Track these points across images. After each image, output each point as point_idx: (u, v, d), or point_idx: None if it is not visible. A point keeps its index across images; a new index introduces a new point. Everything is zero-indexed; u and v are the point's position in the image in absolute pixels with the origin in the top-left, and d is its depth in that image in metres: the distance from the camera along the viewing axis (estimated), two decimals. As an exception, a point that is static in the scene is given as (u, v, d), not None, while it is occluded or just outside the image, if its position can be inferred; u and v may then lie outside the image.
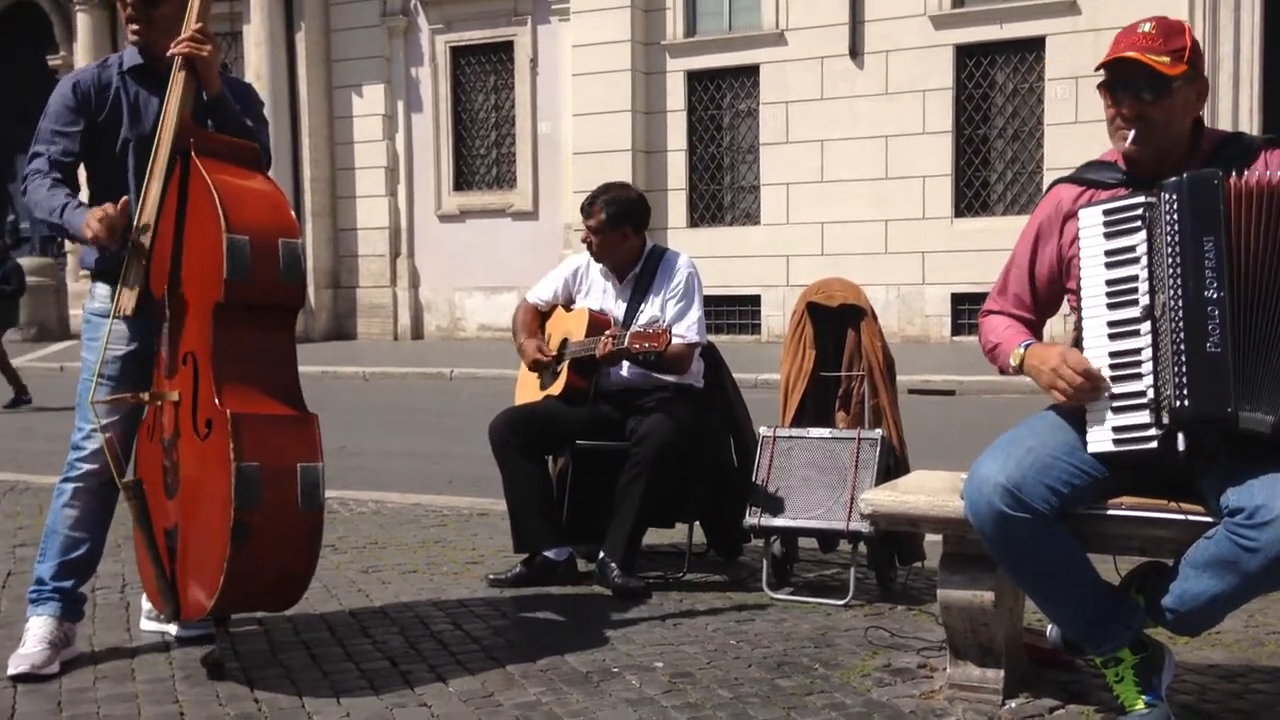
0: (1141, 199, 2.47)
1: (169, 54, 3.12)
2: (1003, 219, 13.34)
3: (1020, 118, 13.64)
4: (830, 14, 14.18)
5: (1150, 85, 2.52)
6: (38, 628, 3.19)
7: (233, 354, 2.99)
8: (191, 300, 3.08)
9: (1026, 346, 2.68)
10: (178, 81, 3.11)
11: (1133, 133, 2.56)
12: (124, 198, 3.06)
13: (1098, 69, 2.64)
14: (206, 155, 3.07)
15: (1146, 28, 2.55)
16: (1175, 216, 2.40)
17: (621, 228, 4.23)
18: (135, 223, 3.11)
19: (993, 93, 13.77)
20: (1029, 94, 13.51)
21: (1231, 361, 2.35)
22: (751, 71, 14.85)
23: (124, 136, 3.23)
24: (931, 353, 12.86)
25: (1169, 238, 2.40)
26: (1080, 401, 2.53)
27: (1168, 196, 2.42)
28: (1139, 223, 2.47)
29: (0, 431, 9.13)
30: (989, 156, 13.87)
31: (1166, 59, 2.50)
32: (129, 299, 3.11)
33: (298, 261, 3.04)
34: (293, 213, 3.12)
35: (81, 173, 3.31)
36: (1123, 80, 2.56)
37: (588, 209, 4.25)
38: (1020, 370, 2.69)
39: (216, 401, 2.94)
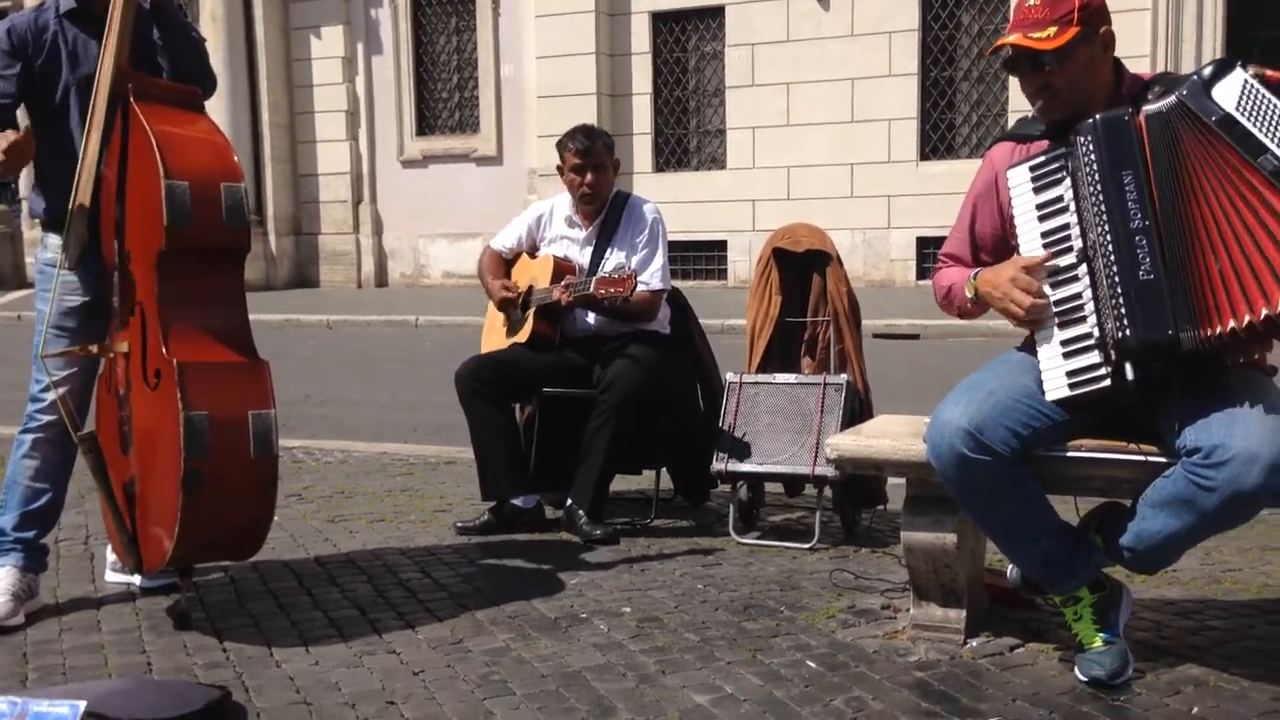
0: (1061, 150, 2.54)
1: None
2: (968, 162, 13.33)
3: (985, 60, 13.57)
4: (796, -46, 14.03)
5: (1035, 61, 2.57)
6: (1, 579, 3.17)
7: (179, 302, 2.95)
8: (136, 249, 3.03)
9: (976, 274, 2.71)
10: None
11: (1040, 104, 2.63)
12: (25, 126, 2.98)
13: (989, 54, 2.71)
14: (145, 100, 3.01)
15: (1033, 1, 2.58)
16: (1093, 157, 2.47)
17: (613, 159, 4.28)
18: (77, 174, 3.05)
19: (958, 34, 13.70)
20: (994, 36, 13.41)
21: (1166, 285, 2.40)
22: (717, 13, 14.68)
23: (64, 80, 3.17)
24: (896, 296, 12.92)
25: (1090, 179, 2.47)
26: (1032, 316, 2.55)
27: (1083, 140, 2.49)
28: (1063, 173, 2.54)
29: (-43, 383, 8.99)
30: (954, 99, 13.84)
31: (1052, 30, 2.53)
32: (73, 250, 3.07)
33: (241, 206, 2.99)
34: (236, 157, 3.08)
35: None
36: (1016, 59, 2.61)
37: (589, 147, 4.18)
38: (978, 300, 2.70)
39: (164, 351, 2.91)
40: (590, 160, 4.19)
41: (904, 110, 13.80)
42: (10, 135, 2.91)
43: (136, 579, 3.38)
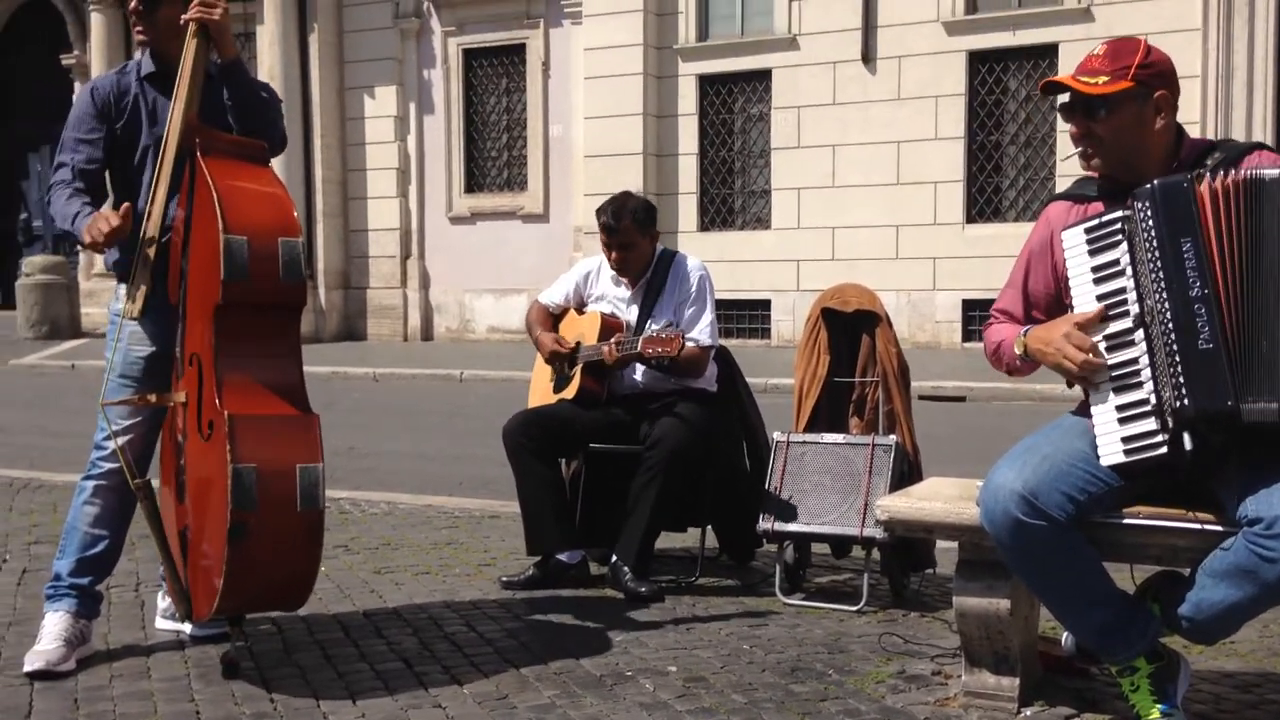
0: (1118, 213, 2.53)
1: (182, 20, 3.13)
2: (1014, 225, 13.31)
3: (1033, 124, 13.62)
4: (843, 19, 14.17)
5: (1085, 105, 2.61)
6: (53, 624, 3.21)
7: (234, 355, 2.99)
8: (196, 301, 3.09)
9: (1027, 332, 2.70)
10: (189, 49, 3.12)
11: (1081, 149, 2.66)
12: (125, 204, 3.08)
13: (1040, 91, 2.77)
14: (211, 155, 3.07)
15: (1098, 50, 2.64)
16: (1151, 223, 2.46)
17: (649, 233, 4.26)
18: (144, 226, 3.14)
19: (1005, 99, 13.74)
20: (1041, 100, 13.47)
21: (1225, 355, 2.38)
22: (763, 76, 14.84)
23: (144, 142, 3.26)
24: (942, 359, 12.84)
25: (1148, 245, 2.46)
26: (1086, 373, 2.54)
27: (1141, 205, 2.48)
28: (1119, 236, 2.53)
29: (13, 429, 9.17)
30: (1001, 163, 13.84)
31: (1104, 78, 2.57)
32: (137, 300, 3.13)
33: (298, 261, 3.02)
34: (295, 211, 3.11)
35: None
36: (1070, 102, 2.65)
37: (615, 226, 4.18)
38: (1027, 357, 2.69)
39: (217, 402, 2.94)
40: (616, 240, 4.21)
41: (950, 173, 13.82)
42: (111, 217, 3.03)
43: (186, 627, 3.40)
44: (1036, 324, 2.75)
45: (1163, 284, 2.43)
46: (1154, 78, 2.59)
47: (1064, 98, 2.67)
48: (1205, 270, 2.40)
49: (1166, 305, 2.43)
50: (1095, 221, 2.59)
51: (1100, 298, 2.56)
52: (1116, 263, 2.53)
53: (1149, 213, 2.46)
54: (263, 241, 2.96)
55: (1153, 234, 2.45)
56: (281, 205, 3.08)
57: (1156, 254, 2.44)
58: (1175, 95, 2.63)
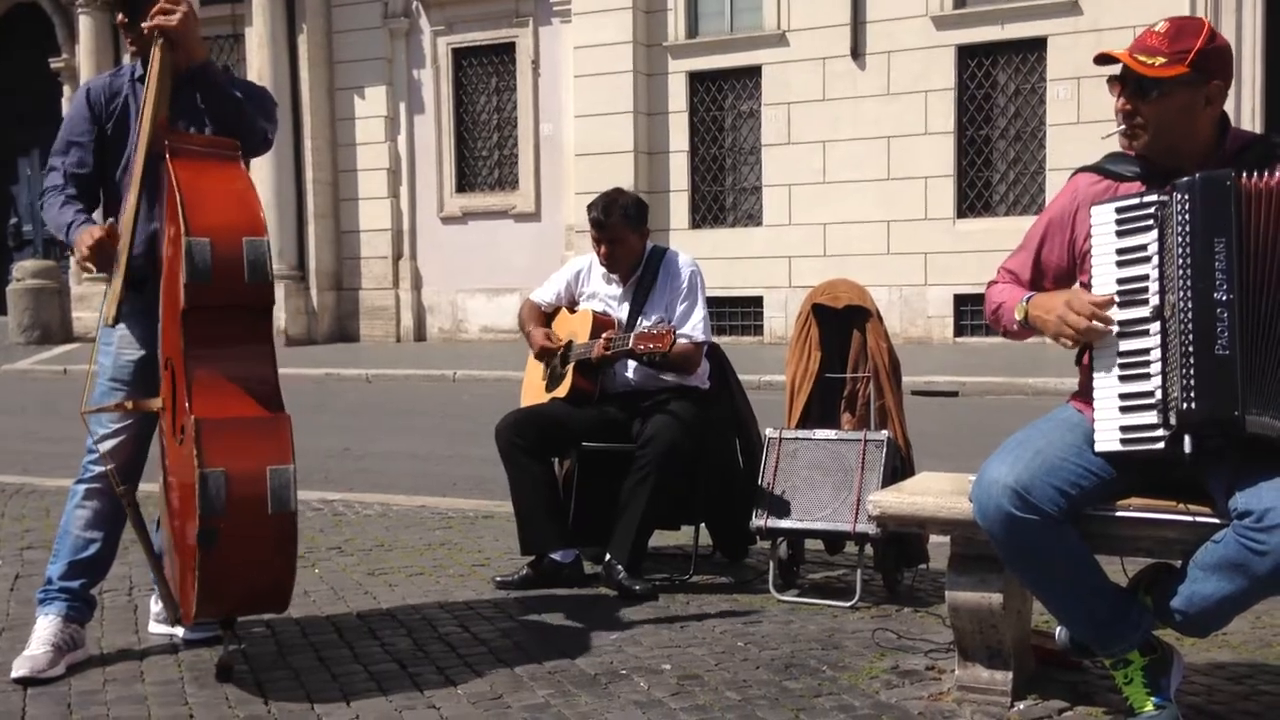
0: (1154, 198, 2.46)
1: (144, 28, 3.11)
2: (1005, 219, 13.34)
3: (1022, 118, 13.63)
4: (832, 14, 14.18)
5: (1137, 84, 2.54)
6: (43, 629, 3.20)
7: (203, 357, 2.95)
8: (168, 305, 3.07)
9: (1029, 299, 2.67)
10: (155, 56, 3.09)
11: (1124, 127, 2.59)
12: (110, 220, 3.07)
13: (1094, 61, 2.69)
14: (180, 157, 3.04)
15: (1160, 26, 2.56)
16: (1187, 217, 2.39)
17: (639, 230, 4.26)
18: (120, 231, 3.12)
19: (995, 93, 13.76)
20: (1031, 94, 13.50)
21: (1240, 364, 2.36)
22: (753, 72, 14.85)
23: (131, 142, 3.24)
24: (934, 354, 12.86)
25: (1180, 238, 2.40)
26: (1089, 339, 2.53)
27: (1180, 196, 2.41)
28: (1151, 221, 2.46)
29: (5, 434, 9.14)
30: (991, 157, 13.86)
31: (1161, 60, 2.49)
32: (110, 307, 3.12)
33: (263, 261, 2.96)
34: (261, 211, 3.04)
35: None
36: (1122, 77, 2.58)
37: (604, 221, 4.18)
38: (1026, 324, 2.66)
39: (188, 406, 2.92)
40: (605, 234, 4.21)
41: (941, 168, 13.84)
42: (96, 233, 3.01)
43: (179, 630, 3.40)
44: (1041, 289, 2.71)
45: (1189, 281, 2.38)
46: (1212, 66, 2.50)
47: (1115, 69, 2.58)
48: (1233, 274, 2.35)
49: (1190, 304, 2.37)
50: (1129, 202, 2.50)
51: (1121, 281, 2.50)
52: (1144, 248, 2.46)
53: (1186, 205, 2.39)
54: (226, 242, 2.91)
55: (1187, 227, 2.38)
56: (247, 204, 3.03)
57: (1188, 249, 2.38)
58: (1228, 85, 2.56)
